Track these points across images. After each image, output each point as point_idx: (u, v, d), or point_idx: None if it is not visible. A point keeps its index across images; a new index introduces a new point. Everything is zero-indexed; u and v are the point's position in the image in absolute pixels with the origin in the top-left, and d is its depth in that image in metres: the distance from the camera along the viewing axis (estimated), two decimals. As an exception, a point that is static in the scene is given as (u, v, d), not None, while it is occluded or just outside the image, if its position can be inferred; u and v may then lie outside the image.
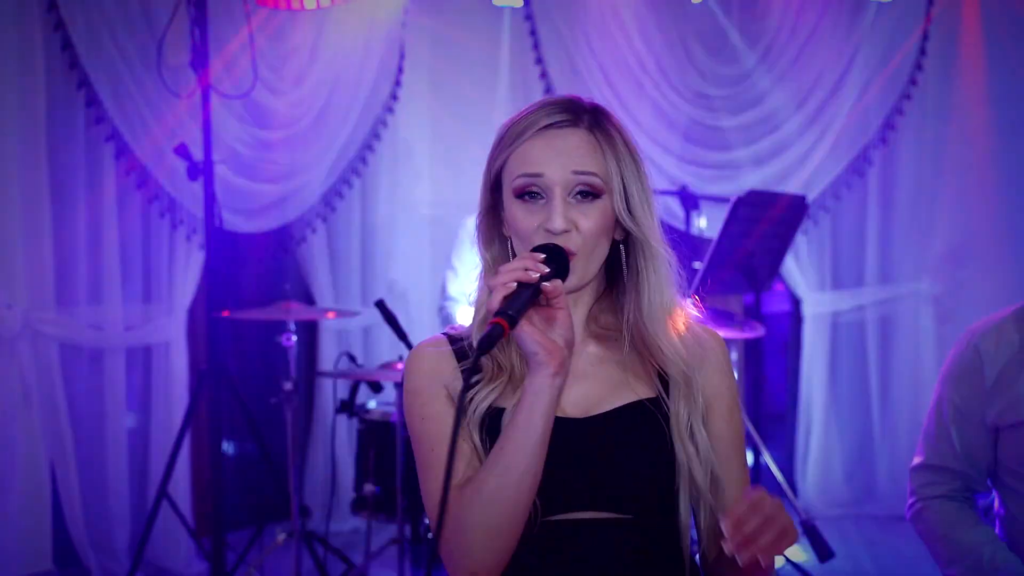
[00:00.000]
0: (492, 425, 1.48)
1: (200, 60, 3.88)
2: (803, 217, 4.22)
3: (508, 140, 1.51)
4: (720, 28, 5.09)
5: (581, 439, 1.48)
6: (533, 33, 4.97)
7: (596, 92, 4.97)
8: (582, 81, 4.99)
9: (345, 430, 4.64)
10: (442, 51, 4.90)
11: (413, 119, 4.95)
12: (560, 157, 1.47)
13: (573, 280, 1.46)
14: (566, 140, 1.48)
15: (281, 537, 3.90)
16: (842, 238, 5.27)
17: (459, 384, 1.45)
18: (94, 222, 4.06)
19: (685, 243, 4.22)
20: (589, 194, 1.47)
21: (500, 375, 1.51)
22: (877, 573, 4.28)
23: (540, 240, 1.46)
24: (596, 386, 1.52)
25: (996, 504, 2.09)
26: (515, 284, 1.36)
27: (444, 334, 1.59)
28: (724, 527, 1.30)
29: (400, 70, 4.81)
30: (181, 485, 4.17)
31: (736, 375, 4.26)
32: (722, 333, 3.45)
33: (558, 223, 1.45)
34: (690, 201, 4.12)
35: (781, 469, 3.59)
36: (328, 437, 4.59)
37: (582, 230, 1.46)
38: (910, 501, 2.11)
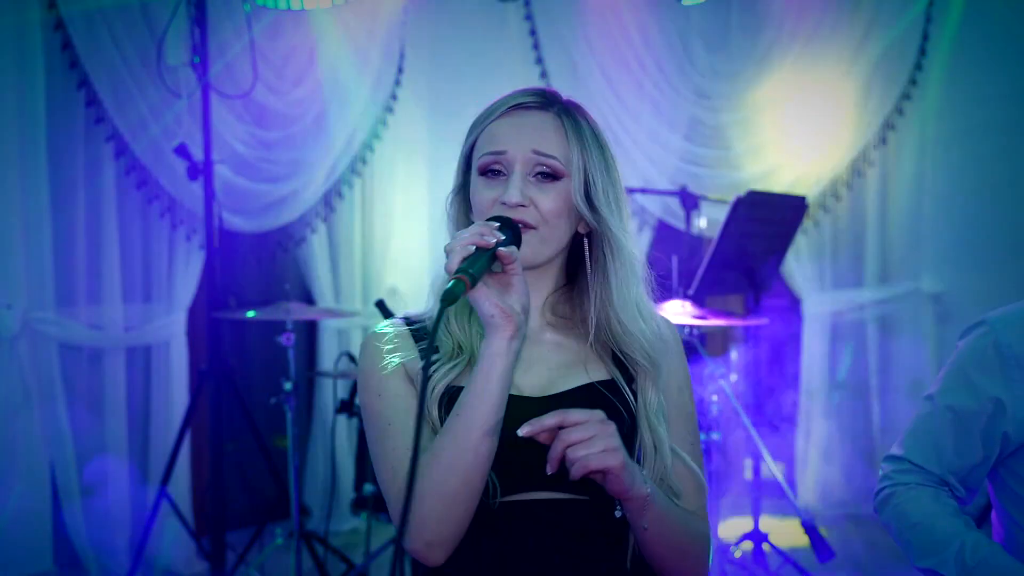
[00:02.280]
0: (451, 403, 1.48)
1: (200, 60, 3.88)
2: (803, 217, 4.22)
3: (479, 121, 1.55)
4: (720, 27, 5.09)
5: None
6: (533, 33, 4.97)
7: (596, 92, 4.98)
8: (582, 81, 4.99)
9: (345, 430, 4.64)
10: (442, 51, 4.91)
11: (413, 119, 4.95)
12: (523, 136, 1.51)
13: (527, 252, 1.49)
14: (531, 120, 1.52)
15: (281, 537, 3.90)
16: (842, 238, 5.27)
17: (416, 363, 1.51)
18: (94, 222, 4.06)
19: (685, 243, 4.24)
20: (548, 175, 1.51)
21: (460, 355, 1.52)
22: (877, 573, 4.28)
23: (496, 214, 1.49)
24: (552, 370, 1.55)
25: (993, 507, 1.92)
26: (473, 248, 1.38)
27: (402, 318, 1.62)
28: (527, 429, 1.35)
29: (400, 70, 4.81)
30: (181, 485, 4.17)
31: (735, 375, 4.27)
32: (723, 322, 3.46)
33: (514, 195, 1.48)
34: (690, 201, 4.12)
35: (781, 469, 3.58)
36: (328, 437, 4.59)
37: (540, 208, 1.50)
38: (880, 487, 1.92)
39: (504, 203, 1.48)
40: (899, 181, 5.22)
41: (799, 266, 5.18)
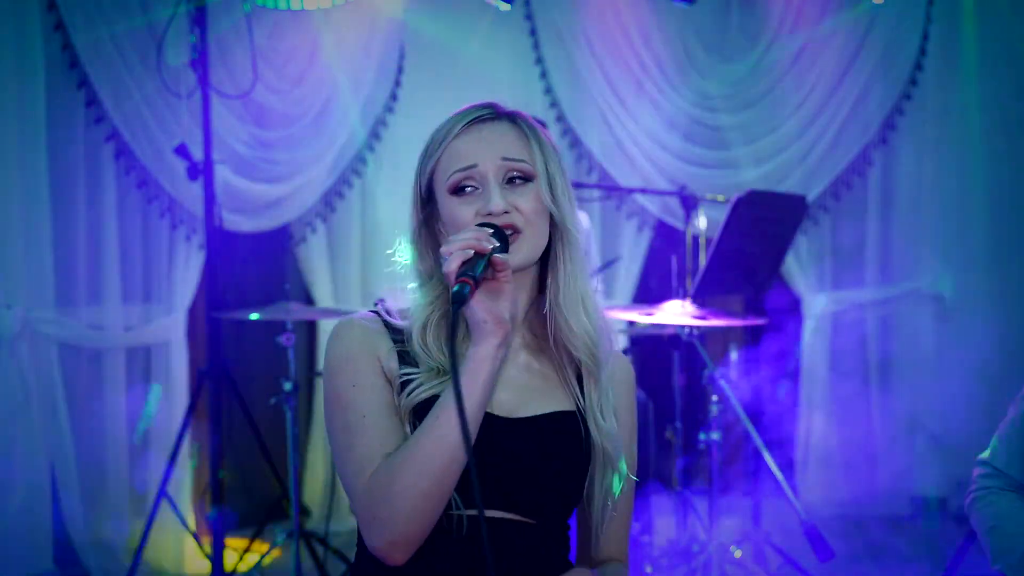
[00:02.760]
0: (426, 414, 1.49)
1: (200, 60, 3.88)
2: (803, 217, 4.22)
3: (435, 146, 1.55)
4: (720, 27, 5.09)
5: (504, 439, 1.51)
6: (533, 33, 4.97)
7: (596, 92, 4.98)
8: (582, 81, 4.99)
9: (345, 430, 4.64)
10: (442, 51, 4.90)
11: (413, 119, 4.95)
12: (489, 146, 1.52)
13: (520, 258, 1.50)
14: (492, 130, 1.54)
15: (281, 537, 3.90)
16: (842, 238, 5.27)
17: (394, 363, 1.52)
18: (94, 222, 4.06)
19: (685, 243, 4.24)
20: (521, 179, 1.52)
21: (441, 375, 1.52)
22: (877, 573, 4.28)
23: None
24: (522, 393, 1.56)
25: None
26: (471, 252, 1.40)
27: (374, 312, 1.62)
28: None
29: (400, 70, 4.81)
30: (181, 485, 4.17)
31: (735, 375, 4.26)
32: (724, 322, 3.46)
33: (499, 203, 1.49)
34: (690, 201, 4.12)
35: (781, 469, 3.58)
36: (328, 437, 4.59)
37: (523, 211, 1.51)
38: (970, 489, 1.98)
39: (490, 213, 1.49)
40: (899, 181, 5.22)
41: (799, 266, 5.18)
